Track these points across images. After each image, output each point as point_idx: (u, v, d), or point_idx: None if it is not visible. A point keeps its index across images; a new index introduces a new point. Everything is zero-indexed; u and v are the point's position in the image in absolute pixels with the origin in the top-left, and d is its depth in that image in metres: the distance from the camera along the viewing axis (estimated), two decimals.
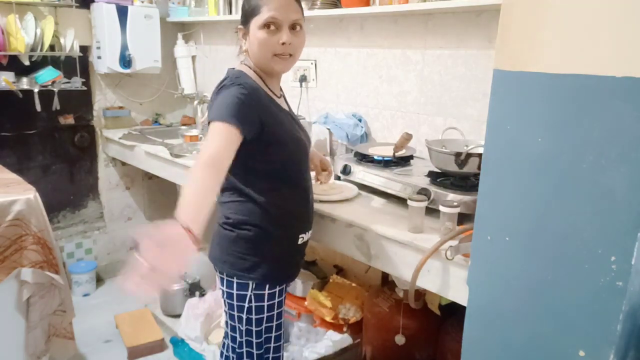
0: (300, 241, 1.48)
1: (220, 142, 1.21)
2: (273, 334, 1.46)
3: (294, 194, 1.43)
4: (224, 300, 1.45)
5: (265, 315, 1.42)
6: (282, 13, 1.32)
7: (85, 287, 3.09)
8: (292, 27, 1.35)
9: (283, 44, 1.33)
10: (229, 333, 1.47)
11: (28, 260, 1.84)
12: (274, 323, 1.45)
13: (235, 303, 1.41)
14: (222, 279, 1.43)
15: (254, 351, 1.44)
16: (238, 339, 1.44)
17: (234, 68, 1.41)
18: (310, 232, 1.52)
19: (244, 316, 1.41)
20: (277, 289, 1.43)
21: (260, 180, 1.36)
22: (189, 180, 1.17)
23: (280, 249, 1.43)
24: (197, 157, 1.22)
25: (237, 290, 1.39)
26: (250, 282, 1.39)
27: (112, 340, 2.63)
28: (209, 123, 1.26)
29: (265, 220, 1.37)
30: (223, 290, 1.43)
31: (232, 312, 1.42)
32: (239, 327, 1.42)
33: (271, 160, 1.36)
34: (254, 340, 1.43)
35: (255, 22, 1.33)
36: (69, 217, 3.16)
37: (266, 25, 1.32)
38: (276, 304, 1.44)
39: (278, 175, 1.39)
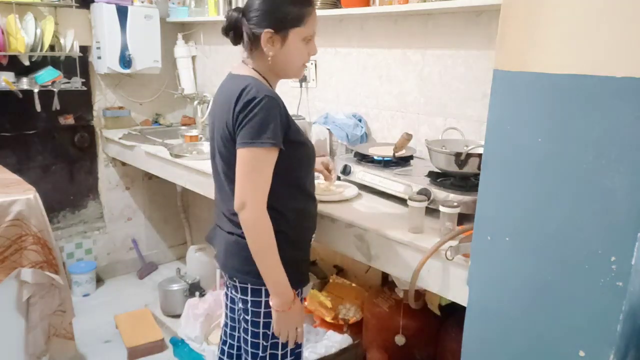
0: (312, 241, 1.52)
1: (269, 174, 1.30)
2: None
3: (308, 195, 1.46)
4: (247, 309, 1.43)
5: None
6: (316, 27, 1.39)
7: (85, 287, 3.09)
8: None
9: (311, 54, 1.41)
10: (249, 340, 1.45)
11: (28, 260, 1.85)
12: None
13: (262, 310, 1.42)
14: (244, 289, 1.42)
15: (279, 352, 1.46)
16: (263, 343, 1.44)
17: (245, 76, 1.36)
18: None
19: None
20: (299, 289, 1.46)
21: (277, 185, 1.35)
22: (260, 242, 1.31)
23: (300, 252, 1.46)
24: (252, 191, 1.28)
25: (265, 297, 1.40)
26: None
27: (112, 340, 2.63)
28: (246, 142, 1.27)
29: (284, 225, 1.37)
30: (246, 300, 1.42)
31: (257, 319, 1.42)
32: (265, 332, 1.43)
33: (290, 162, 1.37)
34: (280, 342, 1.45)
35: (298, 33, 1.35)
36: (69, 217, 3.16)
37: (307, 38, 1.37)
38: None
39: (293, 177, 1.40)
